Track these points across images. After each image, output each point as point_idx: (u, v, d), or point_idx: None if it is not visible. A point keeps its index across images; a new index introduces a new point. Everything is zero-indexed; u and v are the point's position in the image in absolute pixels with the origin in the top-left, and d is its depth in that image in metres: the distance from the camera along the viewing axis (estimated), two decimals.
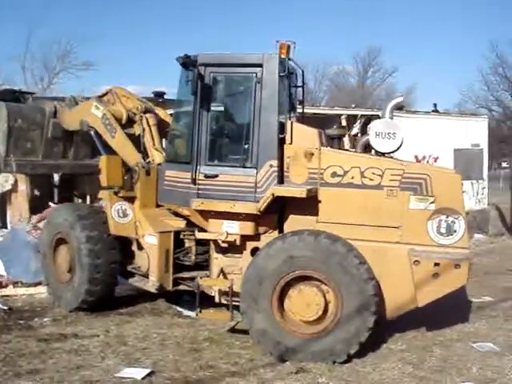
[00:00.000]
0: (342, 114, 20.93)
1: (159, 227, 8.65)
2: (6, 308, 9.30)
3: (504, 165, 47.05)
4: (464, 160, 22.17)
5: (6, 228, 13.14)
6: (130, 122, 9.86)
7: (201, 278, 8.09)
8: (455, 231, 7.25)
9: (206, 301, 8.12)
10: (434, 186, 7.27)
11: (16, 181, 13.35)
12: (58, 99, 11.95)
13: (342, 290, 7.03)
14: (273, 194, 7.48)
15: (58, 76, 50.48)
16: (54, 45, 51.13)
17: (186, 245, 8.71)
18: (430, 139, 21.23)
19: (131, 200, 9.00)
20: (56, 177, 14.07)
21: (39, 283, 10.65)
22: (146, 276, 8.85)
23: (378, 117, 23.39)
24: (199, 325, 8.60)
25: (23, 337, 7.97)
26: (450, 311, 8.82)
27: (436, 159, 21.21)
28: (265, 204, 7.51)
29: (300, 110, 9.27)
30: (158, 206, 8.95)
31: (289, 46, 7.83)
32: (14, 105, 11.10)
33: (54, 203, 13.47)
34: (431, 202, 7.27)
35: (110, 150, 9.62)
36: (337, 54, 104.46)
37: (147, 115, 9.81)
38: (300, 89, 9.12)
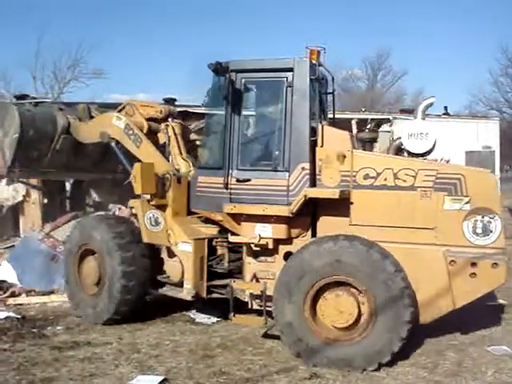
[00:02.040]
0: (352, 118, 20.94)
1: (194, 234, 8.60)
2: (19, 317, 9.32)
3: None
4: (475, 162, 22.14)
5: (19, 237, 13.24)
6: (151, 132, 9.83)
7: (233, 281, 8.12)
8: (491, 231, 7.14)
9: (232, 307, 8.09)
10: (469, 186, 7.18)
11: (28, 190, 13.49)
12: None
13: (379, 305, 6.96)
14: (305, 196, 7.47)
15: (69, 85, 50.77)
16: (64, 54, 51.44)
17: (219, 252, 8.67)
18: (441, 142, 21.22)
19: (162, 208, 8.92)
20: (68, 186, 14.22)
21: (52, 292, 10.75)
22: (178, 285, 8.74)
23: (388, 120, 23.47)
24: (212, 331, 8.64)
25: (37, 345, 8.00)
26: (463, 315, 8.75)
27: (447, 162, 21.12)
28: (297, 206, 7.50)
29: (331, 116, 9.29)
30: (188, 214, 8.98)
31: (319, 52, 7.94)
32: (28, 113, 10.83)
33: (67, 211, 13.58)
34: (466, 203, 7.17)
35: (133, 160, 9.45)
36: (346, 59, 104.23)
37: (173, 124, 9.77)
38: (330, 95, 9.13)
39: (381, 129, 21.97)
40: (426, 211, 7.32)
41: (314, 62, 7.87)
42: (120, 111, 10.15)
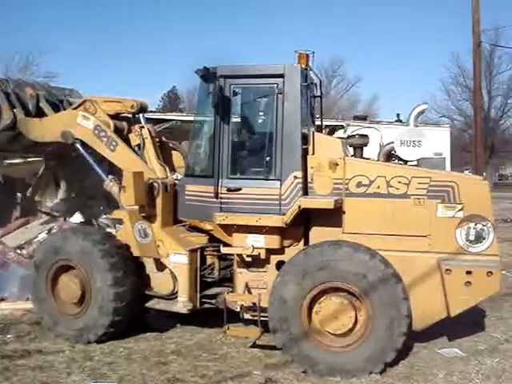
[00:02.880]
0: None
1: (187, 245, 8.24)
2: None
3: (466, 173, 47.85)
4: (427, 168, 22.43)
5: None
6: (117, 131, 9.06)
7: (227, 293, 7.92)
8: (484, 238, 7.16)
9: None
10: (462, 194, 7.19)
11: None
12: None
13: (376, 318, 7.00)
14: (299, 206, 7.36)
15: None
16: (15, 56, 50.39)
17: (209, 261, 8.40)
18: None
19: (149, 218, 8.43)
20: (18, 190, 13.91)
21: (2, 299, 10.40)
22: (167, 297, 8.38)
23: (342, 127, 23.64)
24: (166, 338, 8.52)
25: None
26: None
27: None
28: (291, 217, 7.38)
29: (318, 121, 9.24)
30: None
31: (307, 56, 7.82)
32: None
33: (18, 217, 13.26)
34: (459, 210, 7.18)
35: (103, 164, 9.14)
36: None
37: (148, 125, 9.26)
38: (318, 99, 8.99)
39: (335, 135, 22.18)
40: (420, 219, 7.31)
41: (303, 66, 7.74)
42: (76, 109, 9.33)
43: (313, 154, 7.66)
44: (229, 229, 7.85)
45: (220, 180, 7.79)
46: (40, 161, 12.87)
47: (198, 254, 8.23)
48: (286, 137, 7.60)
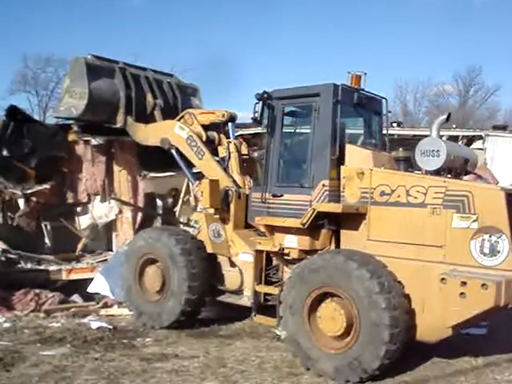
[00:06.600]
0: (443, 135, 20.38)
1: (254, 246, 9.24)
2: (110, 327, 9.65)
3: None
4: None
5: (112, 251, 13.66)
6: (208, 141, 10.49)
7: (256, 284, 8.86)
8: (499, 252, 6.94)
9: None
10: (477, 204, 7.07)
11: (121, 208, 13.94)
12: None
13: (361, 320, 7.20)
14: (314, 210, 8.06)
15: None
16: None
17: (274, 262, 9.17)
18: None
19: (224, 221, 9.80)
20: (159, 202, 14.59)
21: None
22: (236, 292, 9.55)
23: (480, 137, 22.73)
24: None
25: (126, 355, 8.24)
26: None
27: None
28: (306, 218, 8.11)
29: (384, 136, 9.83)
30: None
31: (359, 76, 8.71)
32: (96, 92, 11.30)
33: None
34: (474, 221, 7.07)
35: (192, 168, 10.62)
36: (437, 75, 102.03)
37: (235, 141, 10.47)
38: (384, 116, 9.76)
39: (473, 146, 21.28)
40: (436, 228, 7.36)
41: (354, 86, 8.69)
42: (179, 120, 10.74)
43: (345, 164, 8.34)
44: (271, 230, 8.91)
45: (268, 187, 8.94)
46: (180, 175, 13.49)
47: (264, 254, 9.05)
48: (318, 148, 8.50)
